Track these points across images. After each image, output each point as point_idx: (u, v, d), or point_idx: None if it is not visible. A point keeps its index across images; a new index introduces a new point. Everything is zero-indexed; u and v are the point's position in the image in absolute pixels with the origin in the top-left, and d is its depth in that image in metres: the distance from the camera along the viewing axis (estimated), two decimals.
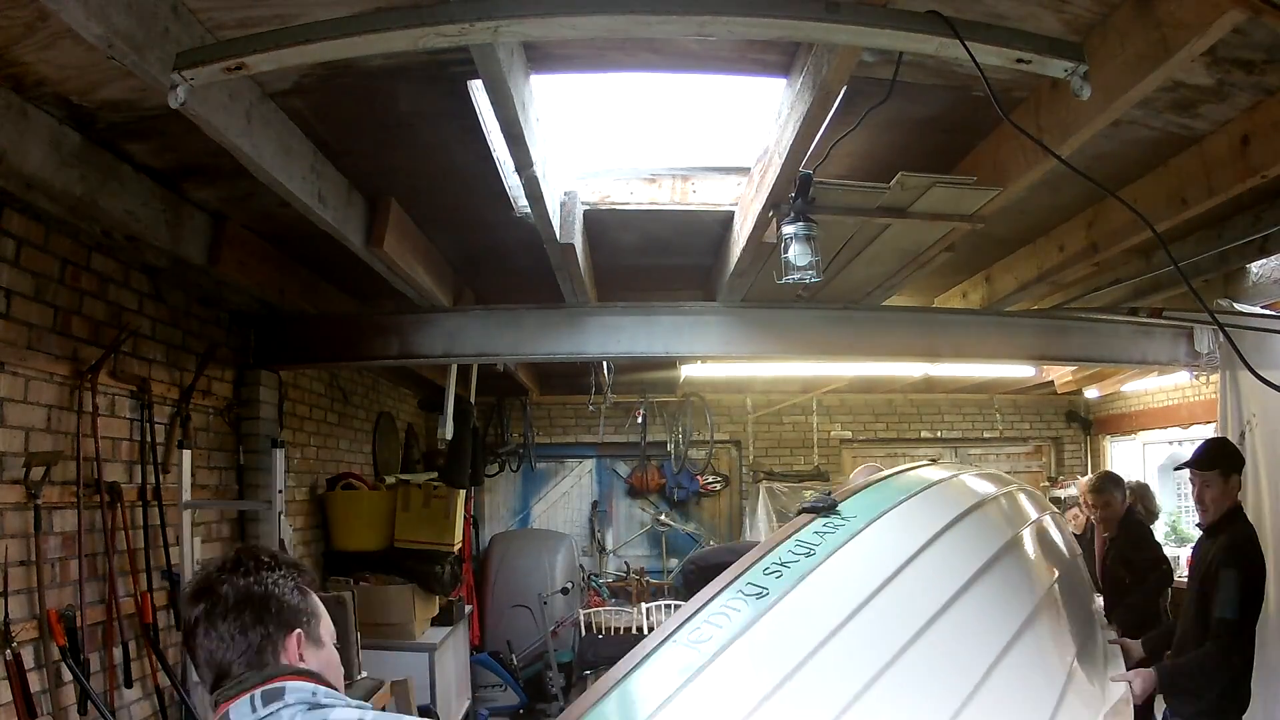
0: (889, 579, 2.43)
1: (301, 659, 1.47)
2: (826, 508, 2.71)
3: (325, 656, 1.53)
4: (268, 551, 1.56)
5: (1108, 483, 4.88)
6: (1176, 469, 4.18)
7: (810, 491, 7.70)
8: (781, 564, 2.42)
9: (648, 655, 2.11)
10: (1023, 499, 3.40)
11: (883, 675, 2.15)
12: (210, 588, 1.48)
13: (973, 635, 2.45)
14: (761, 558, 2.46)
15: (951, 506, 2.97)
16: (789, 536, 2.56)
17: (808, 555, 2.46)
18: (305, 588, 1.55)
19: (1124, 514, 4.82)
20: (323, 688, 1.44)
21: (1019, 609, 2.68)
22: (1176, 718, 3.49)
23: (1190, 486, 3.83)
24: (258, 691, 1.40)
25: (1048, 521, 3.32)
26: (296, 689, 1.41)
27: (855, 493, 2.84)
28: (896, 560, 2.50)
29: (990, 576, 2.68)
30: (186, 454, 3.93)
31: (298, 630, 1.48)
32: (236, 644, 1.44)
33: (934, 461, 3.65)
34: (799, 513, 2.77)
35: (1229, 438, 4.34)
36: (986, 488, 3.34)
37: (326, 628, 1.57)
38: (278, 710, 1.38)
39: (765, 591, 2.28)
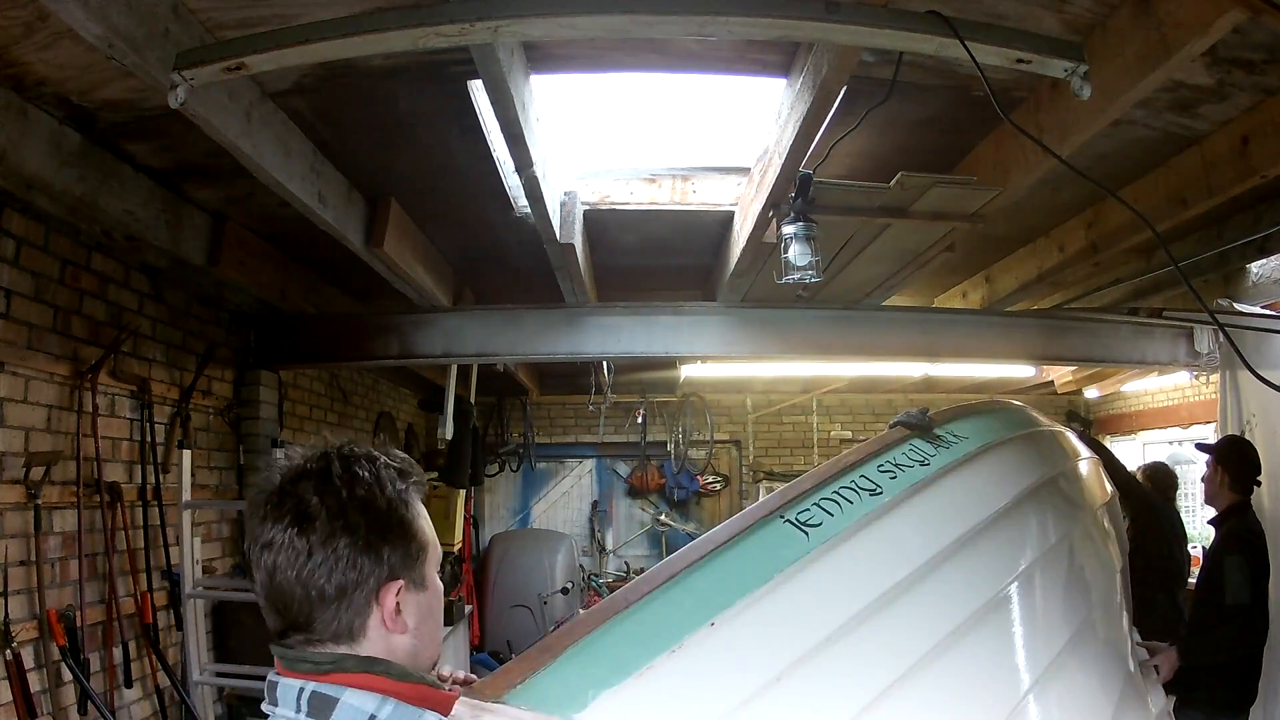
0: (1002, 510, 2.33)
1: (399, 614, 1.15)
2: (921, 427, 2.51)
3: (427, 602, 1.21)
4: (365, 450, 1.19)
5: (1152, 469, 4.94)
6: (1199, 447, 4.17)
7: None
8: (896, 465, 2.26)
9: (750, 528, 1.94)
10: (1102, 471, 3.29)
11: (990, 610, 2.08)
12: (297, 506, 1.12)
13: (1069, 591, 2.43)
14: (876, 454, 2.31)
15: (1058, 458, 2.87)
16: (896, 442, 2.40)
17: (922, 464, 2.31)
18: (414, 503, 1.21)
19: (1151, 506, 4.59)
20: (390, 705, 1.10)
21: (1107, 577, 2.67)
22: (1186, 708, 3.50)
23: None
24: (309, 689, 1.10)
25: (1117, 501, 3.25)
26: (350, 708, 1.09)
27: (956, 417, 2.66)
28: (1009, 494, 2.40)
29: (1080, 538, 2.65)
30: (186, 454, 3.93)
31: (399, 582, 1.15)
32: (319, 585, 1.11)
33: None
34: (892, 426, 2.61)
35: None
36: (1082, 447, 3.21)
37: (434, 556, 1.23)
38: None
39: (879, 490, 2.14)
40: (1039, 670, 2.11)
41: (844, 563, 1.93)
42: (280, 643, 1.15)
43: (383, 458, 1.20)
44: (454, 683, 1.38)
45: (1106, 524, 2.95)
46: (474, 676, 1.43)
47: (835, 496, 2.07)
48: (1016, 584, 2.22)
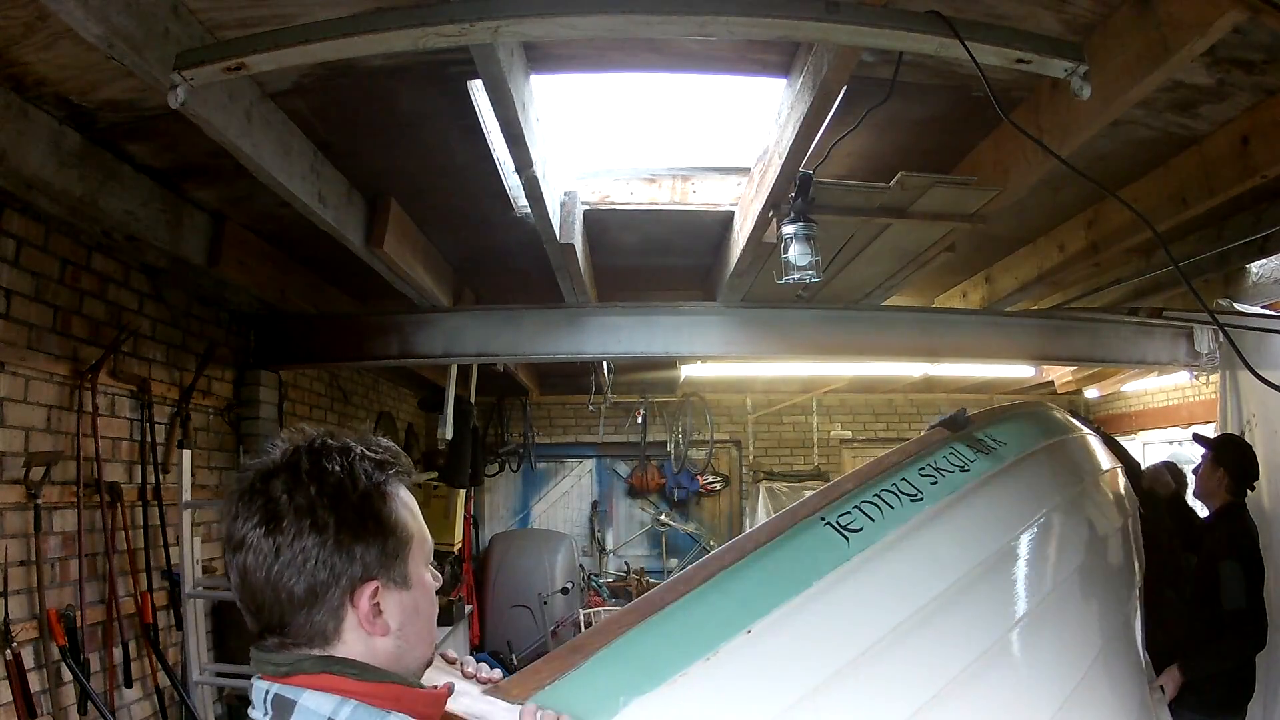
0: (1039, 523, 2.31)
1: (378, 615, 1.10)
2: (961, 428, 2.47)
3: (412, 601, 1.14)
4: (340, 442, 1.13)
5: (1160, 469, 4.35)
6: (1196, 438, 3.98)
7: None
8: (937, 470, 2.21)
9: (792, 530, 1.86)
10: (1125, 480, 3.20)
11: (1024, 628, 2.05)
12: (265, 504, 1.08)
13: (1098, 608, 2.43)
14: (916, 456, 2.25)
15: (1089, 468, 2.85)
16: (936, 445, 2.36)
17: (962, 470, 2.26)
18: (395, 494, 1.15)
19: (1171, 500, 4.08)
20: (349, 707, 1.05)
21: (1129, 592, 2.66)
22: (1183, 709, 3.49)
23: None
24: (272, 690, 1.07)
25: (1138, 515, 3.15)
26: (307, 710, 1.05)
27: (995, 420, 2.63)
28: (1045, 506, 2.38)
29: (1110, 553, 2.65)
30: (186, 454, 3.93)
31: (374, 582, 1.09)
32: (288, 587, 1.06)
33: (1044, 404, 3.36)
34: (932, 427, 2.54)
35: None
36: (1107, 455, 3.18)
37: (420, 551, 1.16)
38: None
39: (919, 495, 2.09)
40: (1069, 689, 2.09)
41: (883, 573, 1.89)
42: (258, 644, 1.12)
43: (359, 449, 1.13)
44: (479, 681, 1.33)
45: (1132, 538, 2.92)
46: (498, 675, 1.37)
47: (876, 500, 2.02)
48: (1050, 601, 2.20)
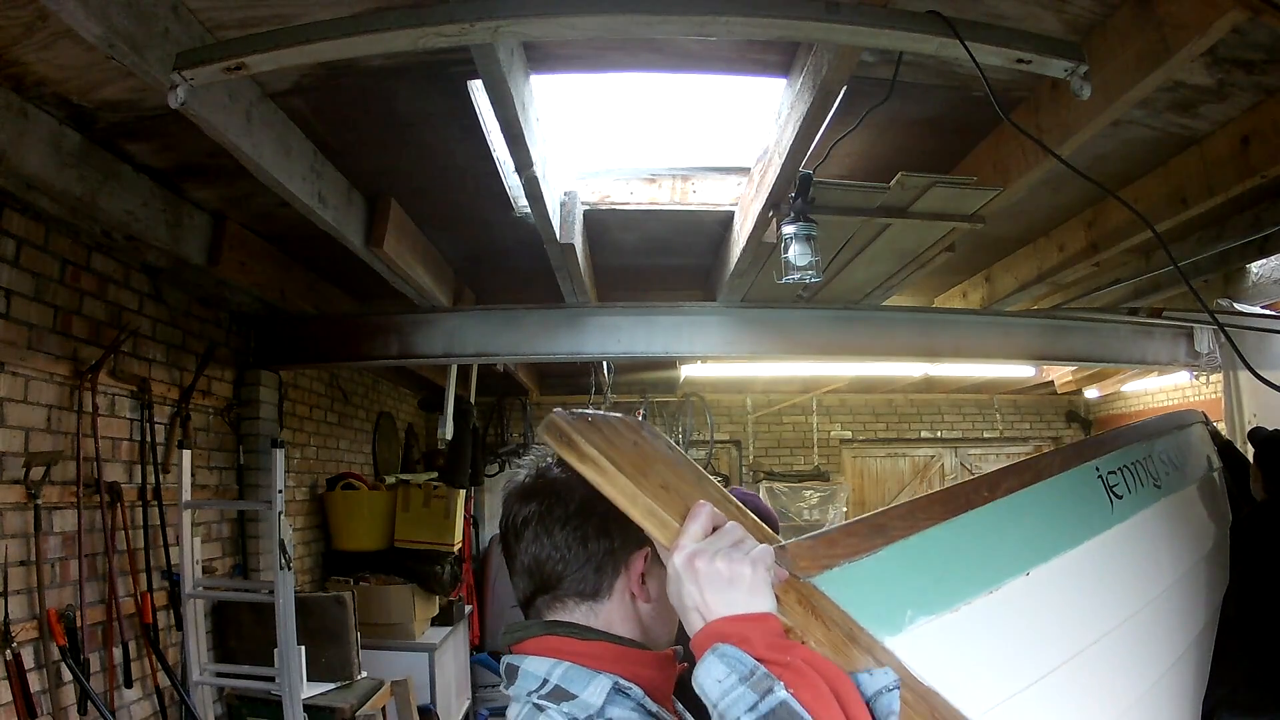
0: (1214, 547, 2.45)
1: (645, 581, 1.20)
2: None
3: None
4: None
5: None
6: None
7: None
8: (1169, 460, 2.26)
9: (1074, 472, 1.84)
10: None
11: (1194, 644, 2.19)
12: (551, 486, 1.22)
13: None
14: (1165, 434, 2.30)
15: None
16: (1170, 434, 2.41)
17: (1179, 469, 2.33)
18: None
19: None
20: (562, 668, 1.13)
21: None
22: (1220, 709, 3.40)
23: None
24: (506, 660, 1.19)
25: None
26: (528, 675, 1.14)
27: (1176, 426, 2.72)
28: (1216, 533, 2.52)
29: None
30: (186, 454, 3.93)
31: (647, 549, 1.20)
32: (574, 555, 1.18)
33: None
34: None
35: (1234, 437, 4.33)
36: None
37: None
38: (513, 695, 1.16)
39: (1159, 483, 2.13)
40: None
41: (1130, 555, 1.94)
42: (508, 625, 1.22)
43: None
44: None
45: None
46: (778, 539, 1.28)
47: (1134, 469, 2.04)
48: (1209, 620, 2.33)
